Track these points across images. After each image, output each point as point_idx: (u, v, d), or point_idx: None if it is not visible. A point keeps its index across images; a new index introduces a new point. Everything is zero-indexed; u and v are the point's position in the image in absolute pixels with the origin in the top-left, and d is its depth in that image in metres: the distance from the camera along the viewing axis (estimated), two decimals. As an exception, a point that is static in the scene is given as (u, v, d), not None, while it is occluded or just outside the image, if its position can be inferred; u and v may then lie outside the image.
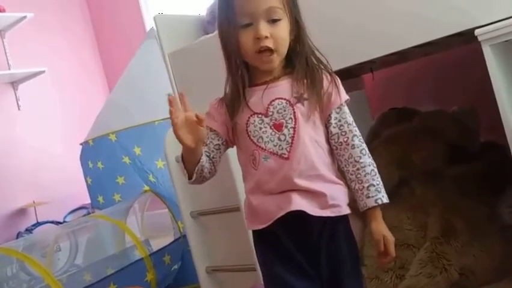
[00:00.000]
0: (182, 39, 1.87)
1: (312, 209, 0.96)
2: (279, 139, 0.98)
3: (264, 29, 0.96)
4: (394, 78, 2.28)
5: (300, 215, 0.96)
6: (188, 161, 1.00)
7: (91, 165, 2.42)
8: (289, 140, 0.98)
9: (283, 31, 0.98)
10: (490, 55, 1.12)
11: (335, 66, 1.10)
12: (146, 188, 2.30)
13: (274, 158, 0.98)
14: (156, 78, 2.33)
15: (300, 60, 1.01)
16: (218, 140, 1.05)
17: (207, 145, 1.04)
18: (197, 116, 0.92)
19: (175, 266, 2.15)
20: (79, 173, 2.60)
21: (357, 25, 1.39)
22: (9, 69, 3.53)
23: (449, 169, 1.57)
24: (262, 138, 0.99)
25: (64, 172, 3.49)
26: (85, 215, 3.38)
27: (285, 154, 0.98)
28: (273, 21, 0.97)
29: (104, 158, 2.34)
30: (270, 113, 0.99)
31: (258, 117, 1.00)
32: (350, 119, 1.01)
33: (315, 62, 1.03)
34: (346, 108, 1.02)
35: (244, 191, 1.04)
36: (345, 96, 1.02)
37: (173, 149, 1.78)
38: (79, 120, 3.60)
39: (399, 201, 1.50)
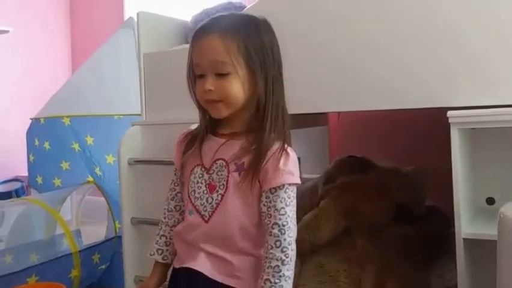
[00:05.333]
0: (162, 41, 1.83)
1: (213, 273, 0.95)
2: (207, 200, 0.97)
3: (210, 82, 0.95)
4: (359, 123, 2.33)
5: (201, 273, 0.96)
6: None
7: (37, 143, 2.31)
8: (214, 205, 0.96)
9: (231, 85, 0.94)
10: (456, 137, 1.16)
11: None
12: (90, 179, 2.22)
13: (196, 215, 0.98)
14: (123, 72, 2.27)
15: (258, 122, 0.97)
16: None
17: (178, 185, 1.07)
18: None
19: (103, 266, 2.09)
20: (21, 144, 2.49)
21: (333, 80, 1.42)
22: (-30, 21, 3.35)
23: (393, 228, 1.61)
24: (195, 192, 0.99)
25: (5, 141, 3.32)
26: (17, 189, 3.24)
27: (205, 216, 0.97)
28: (221, 75, 0.95)
29: (53, 140, 2.25)
30: (212, 171, 0.98)
31: (201, 170, 0.99)
32: (280, 205, 0.93)
33: (275, 127, 0.96)
34: (282, 193, 0.94)
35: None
36: (287, 179, 0.93)
37: (129, 150, 1.73)
38: (33, 91, 3.45)
39: (340, 250, 1.53)
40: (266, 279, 0.92)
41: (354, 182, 1.67)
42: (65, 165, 2.24)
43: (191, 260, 0.97)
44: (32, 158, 2.36)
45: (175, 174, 1.09)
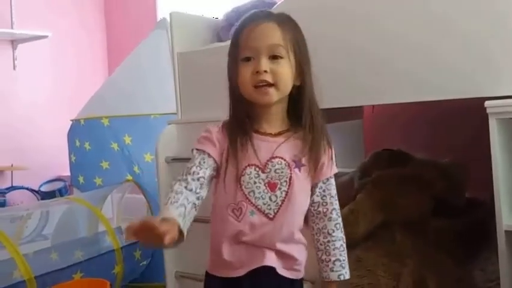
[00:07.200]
0: (194, 40, 1.86)
1: (280, 268, 0.99)
2: (270, 199, 0.98)
3: (264, 63, 0.96)
4: (393, 115, 2.30)
5: (269, 272, 0.98)
6: None
7: (77, 144, 2.39)
8: (279, 203, 0.98)
9: (283, 68, 0.97)
10: (494, 127, 1.14)
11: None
12: (129, 177, 2.28)
13: (259, 215, 0.98)
14: (158, 72, 2.32)
15: (305, 118, 1.01)
16: (212, 170, 0.99)
17: (198, 175, 0.97)
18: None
19: (144, 262, 2.14)
20: (63, 145, 2.57)
21: (368, 73, 1.41)
22: (11, 27, 3.47)
23: (432, 221, 1.59)
24: (254, 193, 0.98)
25: (48, 142, 3.44)
26: (60, 188, 3.35)
27: (270, 214, 0.98)
28: (274, 58, 0.97)
29: (93, 140, 2.32)
30: (268, 170, 0.98)
31: (255, 169, 0.98)
32: (334, 191, 1.05)
33: (321, 125, 1.02)
34: (333, 180, 1.05)
35: (214, 235, 1.02)
36: (335, 169, 1.05)
37: (166, 148, 1.77)
38: (72, 93, 3.56)
39: (378, 244, 1.52)
40: (336, 260, 1.02)
41: (390, 176, 1.66)
42: (105, 164, 2.31)
43: (259, 260, 0.98)
44: (73, 159, 2.44)
45: (204, 162, 0.98)
